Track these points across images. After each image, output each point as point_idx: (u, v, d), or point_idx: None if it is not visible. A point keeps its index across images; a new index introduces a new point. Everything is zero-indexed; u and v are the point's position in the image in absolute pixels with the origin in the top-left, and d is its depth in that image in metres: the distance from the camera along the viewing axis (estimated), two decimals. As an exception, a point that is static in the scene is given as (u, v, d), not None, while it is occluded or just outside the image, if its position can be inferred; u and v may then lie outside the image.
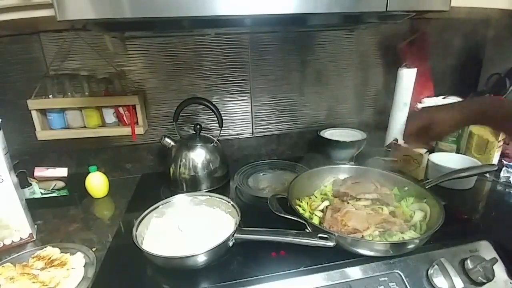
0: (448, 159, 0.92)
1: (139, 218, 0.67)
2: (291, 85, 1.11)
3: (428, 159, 0.92)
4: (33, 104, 0.89)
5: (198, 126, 0.95)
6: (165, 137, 0.93)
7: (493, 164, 0.92)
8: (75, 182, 0.92)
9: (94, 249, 0.68)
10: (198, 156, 0.92)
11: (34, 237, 0.73)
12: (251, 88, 1.09)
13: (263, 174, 1.02)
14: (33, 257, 0.64)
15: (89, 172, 0.91)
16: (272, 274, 0.57)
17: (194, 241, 0.64)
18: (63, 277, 0.58)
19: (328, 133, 1.09)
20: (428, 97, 1.11)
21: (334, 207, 0.71)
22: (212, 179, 0.94)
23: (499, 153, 0.96)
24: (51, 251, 0.65)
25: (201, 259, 0.57)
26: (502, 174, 0.92)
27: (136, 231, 0.63)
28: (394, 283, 0.56)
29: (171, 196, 0.77)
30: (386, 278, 0.57)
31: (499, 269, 0.60)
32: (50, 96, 0.93)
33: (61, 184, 0.90)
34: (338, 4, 0.58)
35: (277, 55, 1.06)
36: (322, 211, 0.73)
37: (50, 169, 0.88)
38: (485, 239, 0.64)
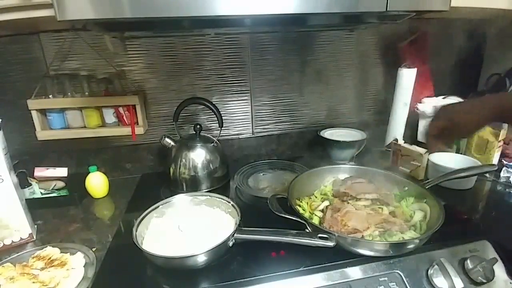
0: (448, 159, 0.92)
1: (139, 218, 0.67)
2: (291, 85, 1.11)
3: (428, 159, 0.91)
4: (33, 104, 0.89)
5: (198, 126, 0.95)
6: (165, 137, 0.93)
7: (493, 164, 0.92)
8: (75, 182, 0.92)
9: (94, 249, 0.68)
10: (198, 156, 0.92)
11: (34, 237, 0.73)
12: (251, 88, 1.09)
13: (263, 174, 1.02)
14: (33, 257, 0.64)
15: (89, 172, 0.91)
16: (272, 274, 0.57)
17: (194, 241, 0.64)
18: (63, 277, 0.58)
19: (328, 133, 1.09)
20: (428, 97, 1.10)
21: (334, 207, 0.71)
22: (212, 179, 0.94)
23: (499, 153, 0.96)
24: (51, 251, 0.65)
25: (201, 259, 0.57)
26: (502, 174, 0.92)
27: (136, 231, 0.63)
28: (394, 283, 0.56)
29: (171, 196, 0.77)
30: (386, 278, 0.57)
31: (499, 269, 0.59)
32: (50, 96, 0.93)
33: (61, 184, 0.90)
34: (338, 4, 0.58)
35: (277, 55, 1.06)
36: (322, 211, 0.73)
37: (50, 169, 0.88)
38: (485, 239, 0.64)
